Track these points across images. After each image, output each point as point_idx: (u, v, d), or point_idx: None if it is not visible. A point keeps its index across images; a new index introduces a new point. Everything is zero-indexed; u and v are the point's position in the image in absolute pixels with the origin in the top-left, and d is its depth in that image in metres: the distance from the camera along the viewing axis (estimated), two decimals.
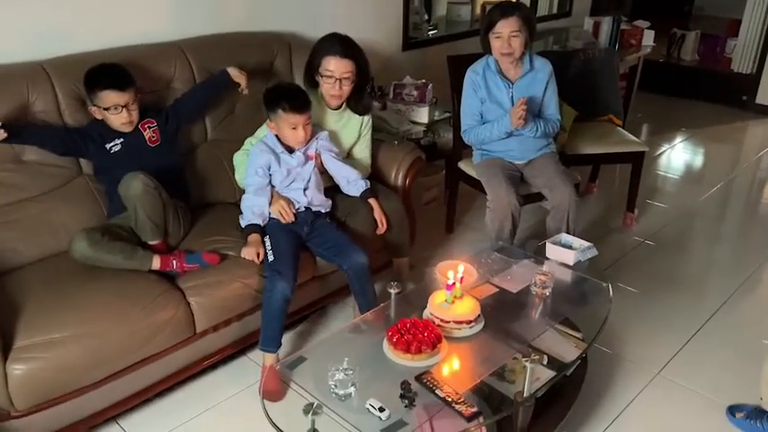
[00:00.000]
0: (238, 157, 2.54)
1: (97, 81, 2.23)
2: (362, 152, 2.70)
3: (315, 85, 2.58)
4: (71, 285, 2.04)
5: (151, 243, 2.21)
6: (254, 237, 2.30)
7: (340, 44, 2.49)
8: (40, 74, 2.27)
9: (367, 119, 2.67)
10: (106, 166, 2.31)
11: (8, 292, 2.00)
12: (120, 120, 2.26)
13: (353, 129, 2.65)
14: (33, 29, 2.36)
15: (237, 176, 2.55)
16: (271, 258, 2.24)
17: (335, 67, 2.47)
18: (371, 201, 2.51)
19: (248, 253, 2.25)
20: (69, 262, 2.11)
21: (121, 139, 2.31)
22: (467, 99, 2.85)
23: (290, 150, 2.41)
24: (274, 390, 2.13)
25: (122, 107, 2.25)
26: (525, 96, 2.67)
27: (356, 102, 2.61)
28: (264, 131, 2.47)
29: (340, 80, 2.48)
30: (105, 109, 2.24)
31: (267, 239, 2.30)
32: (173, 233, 2.30)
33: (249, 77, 2.59)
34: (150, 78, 2.48)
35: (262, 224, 2.35)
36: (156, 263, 2.14)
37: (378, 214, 2.50)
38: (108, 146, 2.30)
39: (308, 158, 2.43)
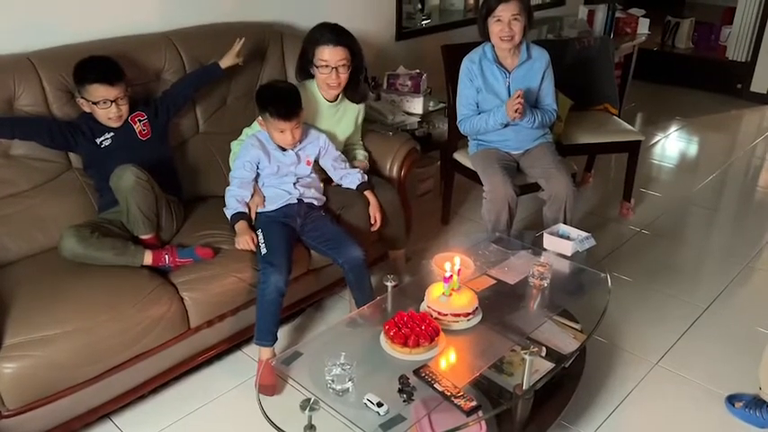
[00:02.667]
0: (235, 147, 2.49)
1: (87, 74, 2.18)
2: (360, 140, 2.68)
3: (308, 76, 2.54)
4: (62, 281, 2.00)
5: (143, 237, 2.18)
6: (241, 225, 2.27)
7: (332, 32, 2.44)
8: (27, 66, 2.22)
9: (361, 107, 2.65)
10: (96, 160, 2.27)
11: None
12: (107, 114, 2.22)
13: (350, 120, 2.62)
14: (19, 20, 2.30)
15: (231, 164, 2.49)
16: (264, 251, 2.21)
17: (330, 56, 2.42)
18: (368, 194, 2.48)
19: (241, 242, 2.23)
20: (59, 258, 2.08)
21: (112, 133, 2.27)
22: (462, 89, 2.81)
23: (283, 148, 2.37)
24: (270, 384, 2.12)
25: (111, 102, 2.20)
26: (522, 87, 2.65)
27: (352, 90, 2.57)
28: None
29: (336, 68, 2.43)
30: (94, 103, 2.20)
31: (260, 232, 2.27)
32: (165, 227, 2.26)
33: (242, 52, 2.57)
34: (140, 70, 2.44)
35: (247, 211, 2.32)
36: (149, 258, 2.11)
37: (373, 209, 2.47)
38: (98, 140, 2.26)
39: (300, 160, 2.39)
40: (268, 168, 2.36)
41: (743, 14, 5.44)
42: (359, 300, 2.34)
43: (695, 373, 2.34)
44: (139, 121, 2.33)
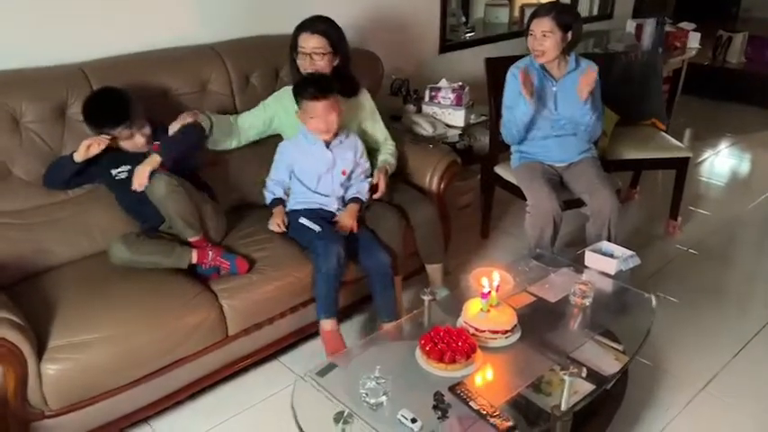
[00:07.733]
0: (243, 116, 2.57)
1: (93, 121, 2.16)
2: (380, 132, 2.71)
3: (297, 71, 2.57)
4: (104, 287, 2.05)
5: (191, 240, 2.21)
6: (278, 208, 2.41)
7: (310, 21, 2.52)
8: (80, 76, 2.28)
9: (364, 103, 2.67)
10: (116, 192, 2.26)
11: (44, 292, 2.02)
12: (130, 145, 2.20)
13: (354, 114, 2.65)
14: (72, 31, 2.38)
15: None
16: (318, 229, 2.28)
17: (306, 43, 2.49)
18: (350, 205, 2.44)
19: (273, 224, 2.35)
20: (103, 263, 2.13)
21: (128, 167, 2.20)
22: (509, 92, 2.81)
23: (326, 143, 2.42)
24: (339, 350, 2.22)
25: (128, 131, 2.17)
26: (569, 95, 2.64)
27: (341, 83, 2.51)
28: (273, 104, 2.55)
29: (310, 55, 2.48)
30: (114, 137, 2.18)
31: (303, 219, 2.34)
32: (212, 227, 2.28)
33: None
34: (186, 81, 2.49)
35: (285, 198, 2.46)
36: (194, 256, 2.14)
37: (344, 217, 2.39)
38: (113, 171, 2.22)
39: (336, 164, 2.44)
40: (305, 171, 2.42)
41: None
42: (381, 309, 2.36)
43: (744, 399, 2.25)
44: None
